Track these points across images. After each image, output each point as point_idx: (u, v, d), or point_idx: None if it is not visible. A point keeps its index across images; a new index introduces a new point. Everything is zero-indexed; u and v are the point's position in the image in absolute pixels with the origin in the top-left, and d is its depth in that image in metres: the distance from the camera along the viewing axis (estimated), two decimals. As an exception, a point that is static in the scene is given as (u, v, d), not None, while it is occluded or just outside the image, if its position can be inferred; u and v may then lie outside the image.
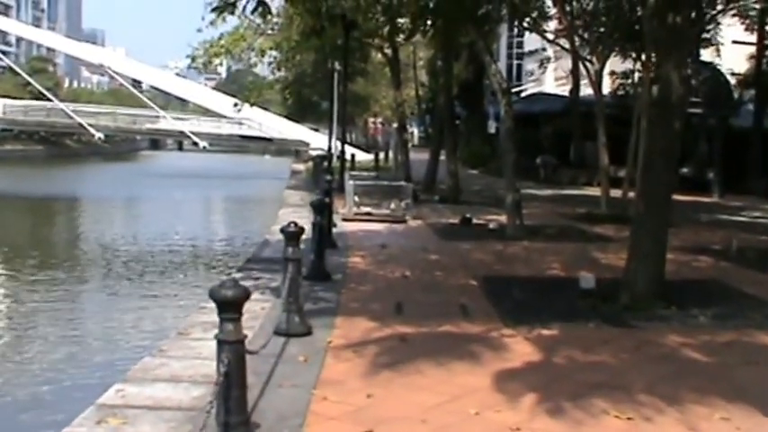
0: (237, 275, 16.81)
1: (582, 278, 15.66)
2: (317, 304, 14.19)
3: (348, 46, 39.03)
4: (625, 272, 15.29)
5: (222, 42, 42.57)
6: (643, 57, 30.15)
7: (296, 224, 12.12)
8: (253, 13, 33.16)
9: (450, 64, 40.45)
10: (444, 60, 41.20)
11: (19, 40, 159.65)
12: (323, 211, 17.18)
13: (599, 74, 32.34)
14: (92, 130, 69.42)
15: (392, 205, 28.54)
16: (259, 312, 13.29)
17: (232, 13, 17.50)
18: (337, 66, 43.94)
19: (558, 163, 51.98)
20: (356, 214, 27.98)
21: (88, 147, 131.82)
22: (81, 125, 69.31)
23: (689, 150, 42.29)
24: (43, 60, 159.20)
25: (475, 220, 27.33)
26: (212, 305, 7.49)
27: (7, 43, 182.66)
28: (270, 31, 44.04)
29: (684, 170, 43.29)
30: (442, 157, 40.87)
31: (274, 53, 46.09)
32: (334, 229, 23.17)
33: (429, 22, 30.21)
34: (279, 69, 50.45)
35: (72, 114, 70.35)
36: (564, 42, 40.05)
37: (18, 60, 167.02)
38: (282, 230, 12.11)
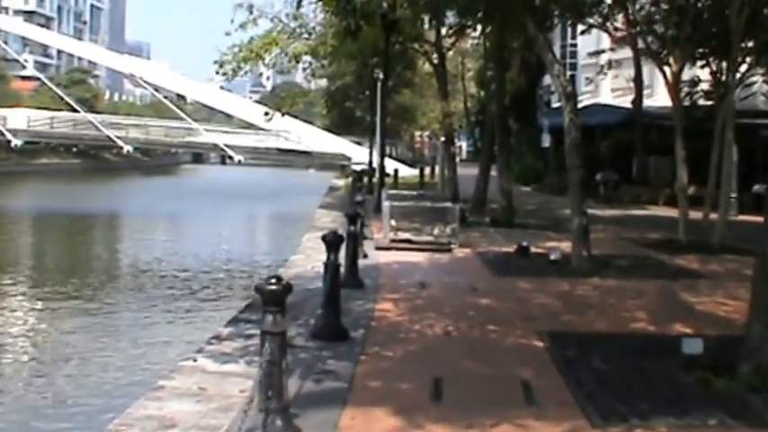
0: (225, 331, 13.00)
1: (685, 342, 11.58)
2: (320, 384, 10.29)
3: (388, 50, 35.47)
4: (746, 332, 11.16)
5: (252, 47, 38.97)
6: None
7: (279, 279, 8.23)
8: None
9: (502, 69, 36.40)
10: (496, 65, 37.23)
11: (60, 52, 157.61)
12: (338, 247, 13.04)
13: (677, 78, 28.05)
14: (120, 143, 66.44)
15: (435, 230, 24.24)
16: (234, 398, 9.54)
17: None
18: (380, 75, 40.93)
19: (618, 179, 47.74)
20: (392, 241, 23.76)
21: (127, 160, 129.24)
22: (109, 137, 66.25)
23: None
24: (83, 72, 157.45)
25: (533, 249, 22.99)
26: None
27: (48, 55, 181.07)
28: (305, 36, 40.49)
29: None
30: (493, 173, 36.89)
31: (309, 59, 42.45)
32: (364, 262, 19.35)
33: (479, 15, 26.22)
34: (314, 76, 46.76)
35: (99, 126, 67.30)
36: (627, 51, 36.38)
37: (59, 72, 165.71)
38: (258, 288, 8.24)
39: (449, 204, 25.84)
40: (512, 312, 15.16)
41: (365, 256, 20.57)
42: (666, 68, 28.50)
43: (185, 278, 36.43)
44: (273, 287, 8.10)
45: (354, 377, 10.62)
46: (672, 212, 35.59)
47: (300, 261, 20.51)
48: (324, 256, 13.10)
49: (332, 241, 12.95)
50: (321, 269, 13.26)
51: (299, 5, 34.62)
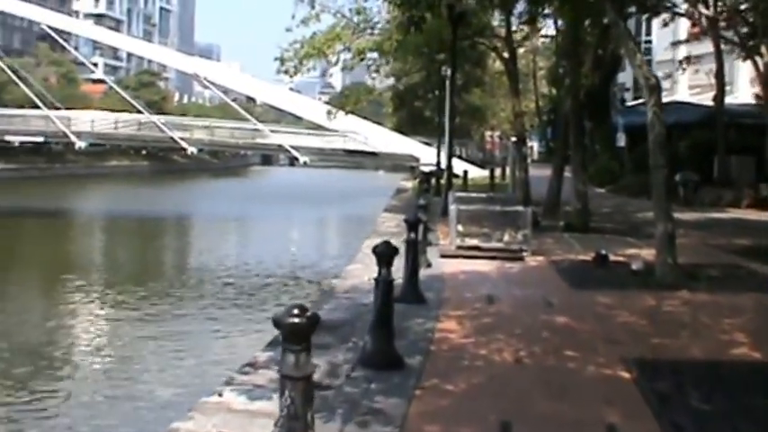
0: (262, 357, 11.28)
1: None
2: (365, 429, 8.50)
3: (456, 44, 33.67)
4: None
5: (314, 43, 37.39)
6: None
7: (303, 309, 6.49)
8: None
9: (576, 64, 34.36)
10: (570, 60, 35.21)
11: (129, 54, 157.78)
12: (390, 260, 11.04)
13: (769, 69, 25.93)
14: (184, 144, 65.30)
15: (506, 236, 22.27)
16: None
17: None
18: (448, 72, 39.18)
19: (698, 181, 45.43)
20: (459, 248, 21.87)
21: (195, 162, 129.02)
22: (173, 139, 65.19)
23: None
24: (151, 75, 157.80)
25: (611, 257, 20.98)
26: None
27: (118, 58, 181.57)
28: (369, 31, 38.83)
29: None
30: (566, 174, 34.88)
31: (374, 56, 40.83)
32: (427, 272, 17.60)
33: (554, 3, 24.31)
34: (378, 73, 45.07)
35: (163, 127, 66.18)
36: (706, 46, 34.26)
37: (128, 75, 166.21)
38: (276, 321, 6.50)
39: (520, 208, 23.76)
40: (592, 334, 13.24)
41: (429, 265, 18.77)
42: (759, 59, 26.37)
43: (247, 284, 36.23)
44: (295, 319, 6.48)
45: (407, 419, 8.84)
46: (757, 215, 33.41)
47: (357, 271, 18.70)
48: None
49: (383, 253, 10.97)
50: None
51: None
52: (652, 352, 12.10)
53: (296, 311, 6.48)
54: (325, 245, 52.97)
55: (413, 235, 15.44)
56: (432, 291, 15.98)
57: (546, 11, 28.97)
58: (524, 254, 21.56)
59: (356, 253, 23.09)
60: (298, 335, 6.48)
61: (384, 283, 10.71)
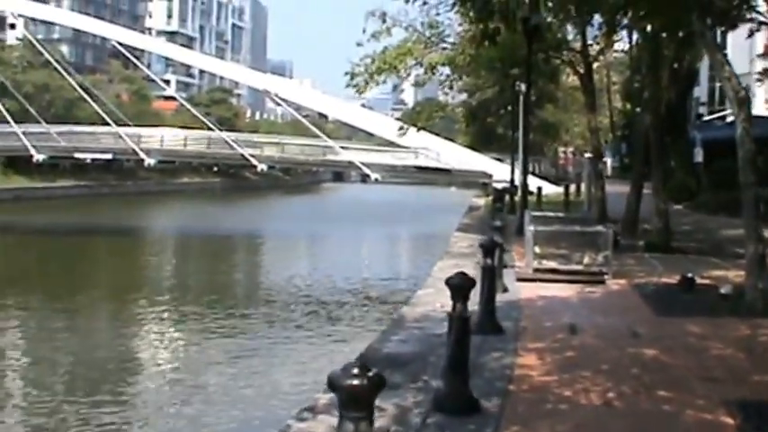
0: (323, 399, 10.25)
1: None
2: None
3: (531, 58, 32.57)
4: None
5: (386, 57, 36.60)
6: None
7: (365, 369, 5.41)
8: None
9: (656, 77, 33.06)
10: (649, 73, 33.92)
11: (202, 72, 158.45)
12: (466, 294, 9.88)
13: None
14: (254, 161, 64.74)
15: (586, 258, 21.06)
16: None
17: None
18: (522, 87, 38.07)
19: (783, 197, 43.79)
20: (536, 271, 20.73)
21: (267, 179, 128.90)
22: (242, 156, 64.74)
23: None
24: (224, 91, 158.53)
25: (697, 279, 19.74)
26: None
27: (191, 75, 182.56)
28: (442, 45, 37.93)
29: None
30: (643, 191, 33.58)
31: (446, 70, 39.89)
32: (504, 297, 16.54)
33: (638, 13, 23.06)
34: (451, 88, 44.01)
35: (233, 144, 65.71)
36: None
37: (200, 92, 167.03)
38: (332, 383, 5.45)
39: (601, 228, 22.50)
40: (685, 369, 12.08)
41: (505, 289, 17.68)
42: None
43: (316, 306, 35.68)
44: (355, 381, 5.30)
45: (485, 477, 7.82)
46: None
47: (428, 297, 17.63)
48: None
49: (458, 286, 9.83)
50: (450, 309, 10.47)
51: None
52: (754, 392, 10.94)
53: (356, 371, 5.35)
54: (396, 265, 52.04)
55: (489, 260, 14.38)
56: (509, 319, 14.93)
57: (625, 21, 27.65)
58: (605, 277, 20.39)
59: (427, 276, 22.02)
60: (358, 400, 5.35)
61: (459, 320, 9.59)
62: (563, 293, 18.49)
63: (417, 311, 16.10)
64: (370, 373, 5.39)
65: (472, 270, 19.44)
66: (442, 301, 15.81)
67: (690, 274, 19.58)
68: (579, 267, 20.85)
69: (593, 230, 22.40)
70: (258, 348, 26.83)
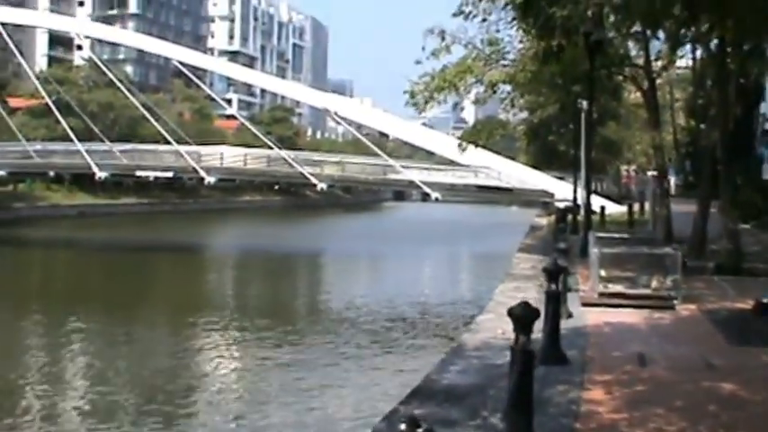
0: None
1: None
2: None
3: (593, 74, 31.60)
4: None
5: (445, 75, 35.72)
6: None
7: (414, 423, 4.56)
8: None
9: (724, 92, 31.93)
10: (717, 88, 32.80)
11: (263, 91, 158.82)
12: (530, 325, 8.94)
13: None
14: (313, 180, 64.12)
15: (653, 282, 20.01)
16: None
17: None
18: (584, 105, 37.13)
19: None
20: (602, 295, 19.74)
21: (328, 197, 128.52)
22: (302, 174, 64.21)
23: None
24: (284, 110, 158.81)
25: (772, 304, 18.63)
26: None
27: (252, 94, 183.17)
28: (502, 63, 36.97)
29: None
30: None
31: (508, 88, 38.92)
32: (568, 323, 15.61)
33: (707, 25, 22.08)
34: (513, 106, 43.05)
35: (293, 163, 65.17)
36: None
37: (262, 111, 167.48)
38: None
39: (669, 250, 21.41)
40: (767, 407, 11.14)
41: (569, 315, 16.74)
42: None
43: (374, 329, 34.81)
44: None
45: None
46: None
47: (489, 323, 16.72)
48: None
49: (522, 317, 8.92)
50: (512, 337, 9.58)
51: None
52: None
53: (403, 427, 4.61)
54: (456, 287, 51.10)
55: (554, 286, 13.47)
56: (574, 348, 13.99)
57: (690, 35, 26.66)
58: (674, 302, 19.37)
59: (488, 300, 21.10)
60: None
61: (522, 354, 8.67)
62: (630, 319, 17.50)
63: (478, 339, 15.20)
64: (421, 430, 4.67)
65: (535, 293, 18.63)
66: (503, 328, 14.96)
67: (765, 299, 18.51)
68: (647, 291, 19.84)
69: (660, 252, 21.34)
70: (313, 372, 26.08)
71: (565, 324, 14.95)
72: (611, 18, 25.91)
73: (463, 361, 13.44)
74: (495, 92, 38.16)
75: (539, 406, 9.77)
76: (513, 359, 8.74)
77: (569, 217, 41.74)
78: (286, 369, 26.85)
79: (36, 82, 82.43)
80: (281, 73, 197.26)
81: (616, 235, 26.43)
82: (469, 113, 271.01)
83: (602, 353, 14.22)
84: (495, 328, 15.60)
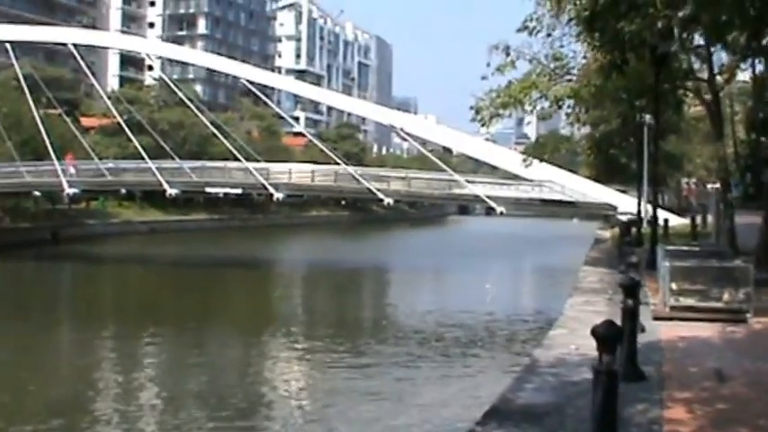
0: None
1: None
2: None
3: (658, 88, 31.00)
4: None
5: (510, 91, 35.20)
6: None
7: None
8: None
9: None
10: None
11: (330, 108, 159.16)
12: (614, 345, 8.42)
13: None
14: (380, 195, 63.98)
15: (725, 295, 19.42)
16: None
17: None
18: (647, 119, 36.54)
19: None
20: (673, 308, 19.14)
21: (393, 212, 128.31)
22: (369, 189, 64.05)
23: None
24: (350, 127, 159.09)
25: None
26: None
27: (319, 112, 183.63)
28: (567, 78, 36.43)
29: None
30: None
31: (571, 103, 38.35)
32: (643, 338, 15.01)
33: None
34: (578, 121, 42.47)
35: (360, 178, 65.07)
36: None
37: (328, 128, 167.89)
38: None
39: (740, 263, 20.75)
40: None
41: (642, 329, 16.16)
42: None
43: (443, 344, 34.43)
44: None
45: None
46: None
47: (561, 338, 16.20)
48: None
49: (606, 336, 8.41)
50: (588, 351, 9.09)
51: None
52: None
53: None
54: (522, 301, 50.66)
55: (630, 301, 12.96)
56: (650, 364, 13.45)
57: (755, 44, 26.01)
58: (747, 315, 18.74)
59: (558, 315, 20.55)
60: None
61: (606, 375, 8.18)
62: (704, 333, 16.89)
63: (551, 355, 14.68)
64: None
65: (605, 307, 18.10)
66: (577, 343, 14.51)
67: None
68: (719, 305, 19.19)
69: (731, 265, 20.69)
70: (383, 389, 25.71)
71: (639, 338, 14.41)
72: (676, 31, 25.41)
73: (538, 378, 12.96)
74: (560, 107, 37.65)
75: (619, 426, 9.29)
76: (597, 380, 8.26)
77: (633, 230, 41.09)
78: (355, 385, 26.55)
79: (108, 102, 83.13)
80: (347, 91, 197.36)
81: (684, 248, 25.77)
82: (531, 128, 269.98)
83: (679, 369, 13.65)
84: (569, 343, 15.12)
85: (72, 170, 70.88)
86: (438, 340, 34.87)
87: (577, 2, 23.94)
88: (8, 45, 71.19)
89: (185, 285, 54.87)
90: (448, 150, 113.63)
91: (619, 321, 10.35)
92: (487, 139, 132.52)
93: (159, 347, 33.49)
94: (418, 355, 31.46)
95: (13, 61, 71.32)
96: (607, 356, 8.25)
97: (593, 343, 8.25)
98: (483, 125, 37.03)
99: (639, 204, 42.10)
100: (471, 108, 36.56)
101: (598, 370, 8.24)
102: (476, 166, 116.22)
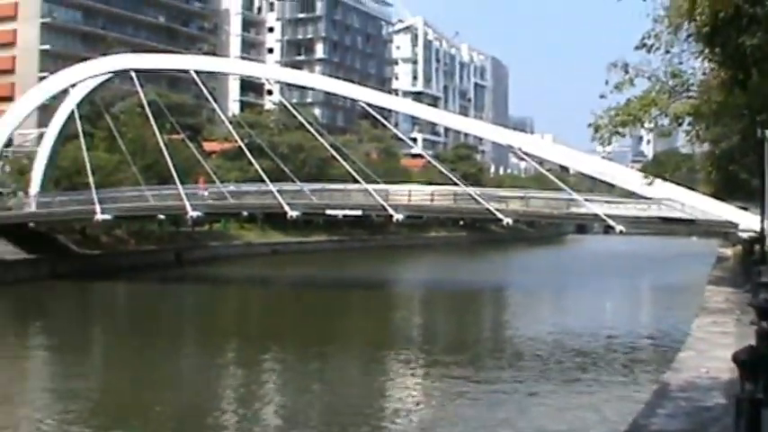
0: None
1: None
2: None
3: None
4: None
5: (629, 109, 34.51)
6: None
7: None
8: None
9: None
10: None
11: (447, 129, 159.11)
12: (756, 373, 7.94)
13: None
14: (499, 215, 63.42)
15: None
16: None
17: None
18: (768, 134, 35.50)
19: None
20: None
21: (511, 231, 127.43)
22: (488, 210, 63.54)
23: None
24: (467, 148, 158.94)
25: None
26: None
27: (436, 133, 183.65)
28: (686, 94, 35.57)
29: None
30: None
31: (691, 120, 37.48)
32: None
33: None
34: (698, 138, 41.47)
35: (479, 199, 64.59)
36: None
37: (446, 149, 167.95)
38: None
39: None
40: None
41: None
42: None
43: (564, 365, 33.81)
44: None
45: None
46: None
47: (691, 360, 15.65)
48: (722, 352, 8.44)
49: (749, 363, 7.91)
50: (719, 374, 8.62)
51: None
52: None
53: None
54: (645, 321, 49.42)
55: (765, 324, 12.36)
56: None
57: None
58: None
59: (684, 336, 19.91)
60: None
61: (750, 403, 7.71)
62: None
63: (682, 378, 14.13)
64: None
65: (733, 328, 17.44)
66: (707, 366, 13.97)
67: None
68: None
69: None
70: (506, 412, 25.14)
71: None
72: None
73: (670, 403, 12.45)
74: (679, 124, 36.82)
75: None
76: (740, 408, 7.79)
77: (757, 247, 40.01)
78: (476, 407, 26.06)
79: (229, 126, 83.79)
80: (464, 112, 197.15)
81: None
82: (648, 146, 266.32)
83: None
84: (699, 366, 14.58)
85: (204, 193, 71.85)
86: (558, 361, 34.20)
87: (697, 17, 23.30)
88: (132, 73, 72.29)
89: (306, 306, 54.98)
90: (565, 169, 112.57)
91: (750, 344, 9.85)
92: (604, 158, 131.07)
93: (281, 368, 33.61)
94: (540, 378, 30.75)
95: (138, 89, 72.35)
96: (750, 384, 7.78)
97: (725, 365, 7.84)
98: (602, 144, 36.38)
99: (762, 221, 40.83)
100: (590, 126, 35.94)
101: (740, 398, 7.77)
102: (592, 185, 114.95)
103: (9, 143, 78.62)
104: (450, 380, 30.12)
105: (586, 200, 66.74)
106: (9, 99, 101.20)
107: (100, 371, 33.88)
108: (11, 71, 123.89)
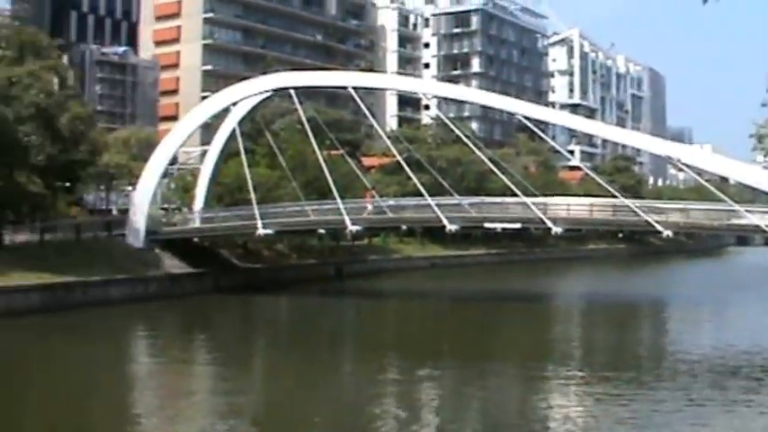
0: None
1: None
2: None
3: None
4: None
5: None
6: None
7: None
8: None
9: None
10: None
11: (604, 141, 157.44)
12: None
13: None
14: (658, 227, 62.15)
15: None
16: None
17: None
18: None
19: None
20: None
21: (671, 244, 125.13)
22: (647, 222, 62.41)
23: None
24: (626, 159, 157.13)
25: None
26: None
27: (593, 145, 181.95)
28: None
29: None
30: None
31: None
32: None
33: None
34: None
35: (638, 211, 63.37)
36: None
37: (603, 161, 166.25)
38: None
39: None
40: None
41: None
42: None
43: (733, 384, 32.47)
44: None
45: None
46: None
47: None
48: None
49: None
50: None
51: None
52: None
53: None
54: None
55: None
56: None
57: None
58: None
59: None
60: None
61: None
62: None
63: None
64: None
65: None
66: None
67: None
68: None
69: None
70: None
71: None
72: None
73: None
74: None
75: None
76: None
77: None
78: (638, 422, 25.73)
79: (387, 141, 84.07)
80: (621, 123, 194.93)
81: None
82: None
83: None
84: None
85: (369, 207, 72.44)
86: (725, 380, 33.07)
87: None
88: (292, 91, 73.21)
89: (465, 320, 54.90)
90: (725, 180, 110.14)
91: None
92: (766, 167, 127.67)
93: (440, 385, 33.45)
94: (704, 398, 29.82)
95: (297, 106, 73.19)
96: None
97: None
98: (766, 154, 35.50)
99: None
100: (751, 136, 35.15)
101: None
102: (753, 196, 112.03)
103: (174, 161, 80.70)
104: (608, 397, 29.65)
105: (747, 211, 64.99)
106: (173, 118, 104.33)
107: (261, 385, 34.41)
108: (175, 91, 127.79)
